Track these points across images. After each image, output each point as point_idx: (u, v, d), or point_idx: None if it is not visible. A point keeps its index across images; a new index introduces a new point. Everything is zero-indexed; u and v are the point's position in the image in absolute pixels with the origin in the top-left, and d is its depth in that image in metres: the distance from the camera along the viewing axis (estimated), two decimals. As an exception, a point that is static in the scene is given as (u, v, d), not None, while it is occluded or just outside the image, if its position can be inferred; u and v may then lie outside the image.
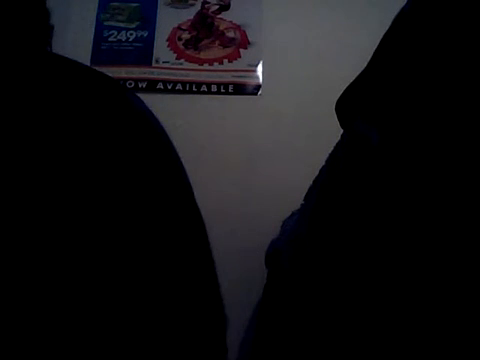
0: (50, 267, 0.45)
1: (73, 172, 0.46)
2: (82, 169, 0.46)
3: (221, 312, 0.58)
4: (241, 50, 1.71)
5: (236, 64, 1.70)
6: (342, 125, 0.71)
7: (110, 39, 1.70)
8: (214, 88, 1.66)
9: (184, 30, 1.73)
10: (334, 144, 0.74)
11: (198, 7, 1.76)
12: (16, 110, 0.46)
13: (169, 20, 1.74)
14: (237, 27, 1.74)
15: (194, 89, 1.65)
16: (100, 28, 1.72)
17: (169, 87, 1.63)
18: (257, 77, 1.68)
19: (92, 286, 0.46)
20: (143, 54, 1.68)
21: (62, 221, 0.45)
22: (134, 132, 0.52)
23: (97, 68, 0.65)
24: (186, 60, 1.69)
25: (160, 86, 1.64)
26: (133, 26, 1.73)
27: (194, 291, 0.53)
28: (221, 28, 1.74)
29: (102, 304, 0.46)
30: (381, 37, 0.66)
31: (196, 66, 1.69)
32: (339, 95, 0.70)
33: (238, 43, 1.72)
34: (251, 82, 1.68)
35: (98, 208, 0.46)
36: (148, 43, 1.70)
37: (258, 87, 1.67)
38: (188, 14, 1.75)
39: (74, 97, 0.49)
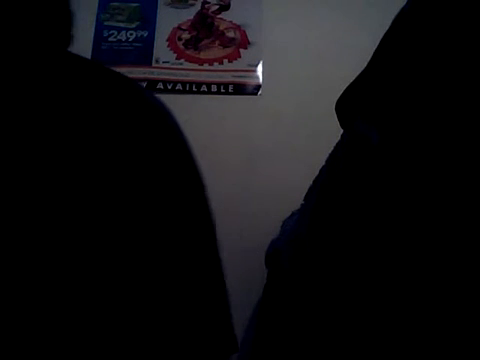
0: (67, 262, 0.45)
1: (94, 167, 0.47)
2: (102, 165, 0.47)
3: (226, 305, 0.59)
4: (241, 50, 1.71)
5: (236, 64, 1.70)
6: (342, 125, 0.71)
7: (110, 39, 1.70)
8: (214, 88, 1.66)
9: (184, 30, 1.73)
10: (334, 144, 0.74)
11: (198, 7, 1.77)
12: (41, 108, 0.47)
13: (169, 20, 1.74)
14: (237, 27, 1.74)
15: (194, 89, 1.65)
16: (100, 28, 1.72)
17: (169, 87, 1.63)
18: (257, 77, 1.68)
19: (111, 275, 0.46)
20: (143, 54, 1.68)
21: (80, 214, 0.45)
22: (152, 129, 0.53)
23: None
24: (186, 60, 1.69)
25: (160, 86, 1.64)
26: (133, 26, 1.73)
27: (201, 286, 0.54)
28: (221, 28, 1.74)
29: (116, 296, 0.47)
30: (381, 37, 0.66)
31: (196, 66, 1.69)
32: (339, 95, 0.70)
33: (238, 43, 1.72)
34: (251, 82, 1.68)
35: (117, 201, 0.47)
36: (148, 43, 1.70)
37: (258, 87, 1.67)
38: (188, 14, 1.75)
39: (96, 96, 0.50)
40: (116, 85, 0.54)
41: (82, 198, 0.46)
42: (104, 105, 0.50)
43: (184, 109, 1.67)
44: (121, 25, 1.73)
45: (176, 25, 1.74)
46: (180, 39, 1.72)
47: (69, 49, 0.57)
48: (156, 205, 0.51)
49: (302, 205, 0.84)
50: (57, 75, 0.50)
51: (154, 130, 0.54)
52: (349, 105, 0.69)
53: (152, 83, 1.63)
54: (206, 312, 0.55)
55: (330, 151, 0.75)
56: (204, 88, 1.66)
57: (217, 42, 1.73)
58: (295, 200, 0.88)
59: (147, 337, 0.49)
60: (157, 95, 0.61)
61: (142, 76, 1.64)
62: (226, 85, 1.67)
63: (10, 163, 0.45)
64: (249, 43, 1.72)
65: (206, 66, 1.69)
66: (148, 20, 1.74)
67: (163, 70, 1.67)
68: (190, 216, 0.55)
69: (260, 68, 1.69)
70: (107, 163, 0.49)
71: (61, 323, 0.46)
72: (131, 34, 1.72)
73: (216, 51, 1.71)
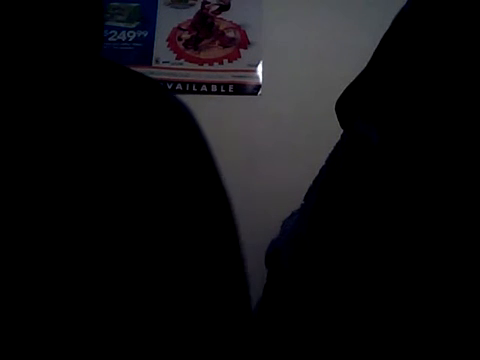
0: (88, 257, 0.46)
1: (119, 166, 0.48)
2: (127, 164, 0.48)
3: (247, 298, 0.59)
4: (241, 50, 1.71)
5: (236, 64, 1.70)
6: (342, 125, 0.71)
7: (110, 39, 1.70)
8: (214, 88, 1.66)
9: (184, 30, 1.73)
10: (334, 144, 0.74)
11: (198, 7, 1.77)
12: (72, 110, 0.48)
13: (169, 20, 1.74)
14: (237, 27, 1.74)
15: (194, 89, 1.65)
16: (100, 28, 1.72)
17: (169, 87, 1.63)
18: (257, 77, 1.68)
19: (137, 266, 0.47)
20: (143, 54, 1.69)
21: (101, 212, 0.46)
22: (173, 129, 0.54)
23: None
24: (186, 60, 1.69)
25: (160, 86, 1.64)
26: (133, 26, 1.73)
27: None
28: (221, 28, 1.74)
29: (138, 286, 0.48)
30: (381, 37, 0.66)
31: (196, 66, 1.69)
32: (339, 95, 0.70)
33: (238, 43, 1.72)
34: (251, 82, 1.68)
35: (139, 199, 0.48)
36: (148, 43, 1.70)
37: (258, 87, 1.67)
38: (188, 14, 1.76)
39: (124, 99, 0.51)
40: (141, 86, 0.55)
41: (104, 196, 0.47)
42: (131, 107, 0.51)
43: (184, 109, 1.67)
44: (121, 25, 1.73)
45: (176, 25, 1.74)
46: (180, 39, 1.72)
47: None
48: (176, 205, 0.51)
49: (302, 205, 0.84)
50: (87, 78, 0.52)
51: (177, 131, 0.55)
52: (349, 105, 0.69)
53: (152, 83, 1.63)
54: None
55: (330, 151, 0.75)
56: (204, 88, 1.66)
57: (217, 42, 1.73)
58: (295, 200, 0.87)
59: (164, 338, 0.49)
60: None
61: (142, 76, 1.64)
62: (226, 85, 1.67)
63: (40, 160, 0.47)
64: (249, 43, 1.72)
65: (206, 66, 1.69)
66: (148, 20, 1.74)
67: (163, 70, 1.67)
68: (210, 218, 0.56)
69: (260, 68, 1.69)
70: (132, 162, 0.50)
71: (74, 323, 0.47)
72: (131, 34, 1.72)
73: (216, 51, 1.72)
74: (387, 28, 0.65)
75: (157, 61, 1.69)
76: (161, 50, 1.70)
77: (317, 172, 0.78)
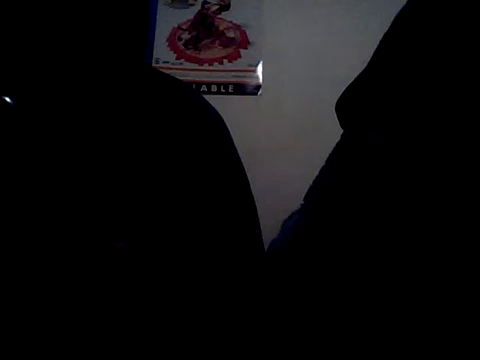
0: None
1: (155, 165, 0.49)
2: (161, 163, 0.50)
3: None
4: (241, 50, 1.71)
5: (236, 64, 1.70)
6: (342, 125, 0.71)
7: (110, 39, 1.70)
8: (214, 88, 1.66)
9: (184, 30, 1.73)
10: (334, 144, 0.74)
11: (198, 7, 1.76)
12: (117, 112, 0.50)
13: (169, 20, 1.74)
14: (237, 27, 1.74)
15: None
16: (100, 28, 1.72)
17: (169, 87, 1.63)
18: (257, 77, 1.68)
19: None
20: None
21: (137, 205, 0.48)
22: (197, 126, 0.56)
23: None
24: (186, 60, 1.69)
25: (160, 86, 1.64)
26: (133, 26, 1.73)
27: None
28: (221, 28, 1.74)
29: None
30: (381, 37, 0.66)
31: (196, 66, 1.69)
32: (339, 95, 0.70)
33: (238, 43, 1.72)
34: (251, 82, 1.68)
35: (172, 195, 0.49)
36: (148, 43, 1.70)
37: (258, 87, 1.67)
38: (188, 14, 1.75)
39: (157, 99, 0.53)
40: (172, 88, 0.58)
41: (141, 190, 0.49)
42: (164, 109, 0.54)
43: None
44: (121, 25, 1.73)
45: (176, 25, 1.74)
46: (180, 39, 1.72)
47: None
48: (204, 202, 0.53)
49: (302, 205, 0.84)
50: (130, 82, 0.54)
51: (207, 132, 0.58)
52: (349, 105, 0.69)
53: (152, 83, 1.63)
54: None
55: (330, 151, 0.75)
56: (204, 88, 1.66)
57: (217, 42, 1.73)
58: (295, 200, 0.87)
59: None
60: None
61: (142, 76, 1.64)
62: (226, 85, 1.67)
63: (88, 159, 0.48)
64: (249, 43, 1.72)
65: (206, 66, 1.69)
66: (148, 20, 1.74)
67: (163, 70, 1.67)
68: (237, 217, 0.58)
69: (260, 68, 1.69)
70: (165, 161, 0.52)
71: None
72: (131, 34, 1.72)
73: (216, 51, 1.71)
74: (387, 28, 0.65)
75: (157, 61, 1.69)
76: (161, 50, 1.70)
77: (317, 172, 0.78)
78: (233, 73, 1.69)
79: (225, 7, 1.77)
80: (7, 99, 0.46)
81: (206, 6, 1.77)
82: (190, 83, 1.66)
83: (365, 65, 0.68)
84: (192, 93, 0.61)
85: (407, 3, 0.63)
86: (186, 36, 1.73)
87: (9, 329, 0.46)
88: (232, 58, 1.71)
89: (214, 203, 0.54)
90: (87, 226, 0.47)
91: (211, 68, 1.69)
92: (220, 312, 0.53)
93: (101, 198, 0.47)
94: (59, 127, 0.48)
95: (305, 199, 0.81)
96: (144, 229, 0.48)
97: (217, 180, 0.55)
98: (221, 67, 1.70)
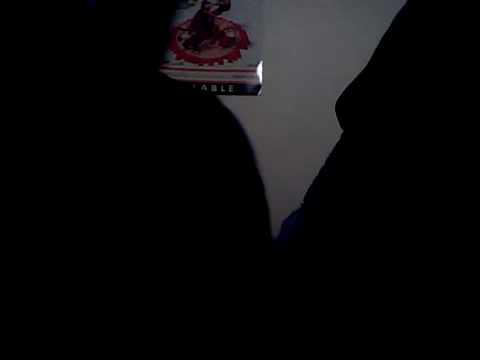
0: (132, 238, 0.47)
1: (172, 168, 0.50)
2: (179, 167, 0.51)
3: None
4: (241, 50, 1.71)
5: (236, 64, 1.70)
6: (342, 125, 0.71)
7: (110, 39, 1.70)
8: (214, 88, 1.66)
9: (184, 30, 1.73)
10: (334, 144, 0.74)
11: (198, 7, 1.76)
12: (125, 117, 0.51)
13: (169, 20, 1.74)
14: (237, 27, 1.74)
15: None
16: (100, 28, 1.72)
17: (169, 87, 1.63)
18: (257, 77, 1.68)
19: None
20: (143, 54, 1.68)
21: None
22: (224, 137, 0.57)
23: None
24: (186, 60, 1.69)
25: (160, 86, 1.64)
26: (133, 26, 1.73)
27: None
28: (221, 28, 1.74)
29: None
30: (381, 37, 0.66)
31: (196, 66, 1.69)
32: (339, 95, 0.70)
33: (238, 43, 1.72)
34: (251, 82, 1.68)
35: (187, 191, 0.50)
36: (148, 43, 1.70)
37: (258, 87, 1.67)
38: (188, 14, 1.75)
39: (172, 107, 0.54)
40: (187, 95, 0.59)
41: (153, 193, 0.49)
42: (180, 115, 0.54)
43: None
44: (121, 25, 1.73)
45: (176, 25, 1.74)
46: (180, 39, 1.72)
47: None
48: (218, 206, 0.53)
49: (302, 205, 0.84)
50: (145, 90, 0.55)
51: (225, 138, 0.59)
52: (349, 105, 0.69)
53: (152, 83, 1.63)
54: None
55: (330, 151, 0.75)
56: (204, 88, 1.66)
57: (217, 42, 1.73)
58: (295, 200, 0.88)
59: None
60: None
61: (142, 76, 1.64)
62: (226, 85, 1.67)
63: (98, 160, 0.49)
64: (249, 43, 1.72)
65: (206, 66, 1.69)
66: (148, 20, 1.74)
67: (163, 70, 1.67)
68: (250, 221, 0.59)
69: (260, 68, 1.69)
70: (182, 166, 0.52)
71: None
72: (131, 34, 1.72)
73: (216, 51, 1.72)
74: (387, 28, 0.65)
75: (157, 61, 1.69)
76: (161, 50, 1.70)
77: (317, 172, 0.78)
78: (233, 73, 1.69)
79: (225, 7, 1.77)
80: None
81: (206, 6, 1.77)
82: (190, 83, 1.66)
83: (365, 65, 0.68)
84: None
85: (407, 3, 0.63)
86: (186, 36, 1.73)
87: (9, 329, 0.46)
88: (232, 58, 1.71)
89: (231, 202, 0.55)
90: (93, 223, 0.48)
91: (211, 68, 1.69)
92: (226, 311, 0.53)
93: (113, 196, 0.48)
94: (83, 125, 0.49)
95: (305, 199, 0.81)
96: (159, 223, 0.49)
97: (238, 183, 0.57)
98: (221, 67, 1.70)
